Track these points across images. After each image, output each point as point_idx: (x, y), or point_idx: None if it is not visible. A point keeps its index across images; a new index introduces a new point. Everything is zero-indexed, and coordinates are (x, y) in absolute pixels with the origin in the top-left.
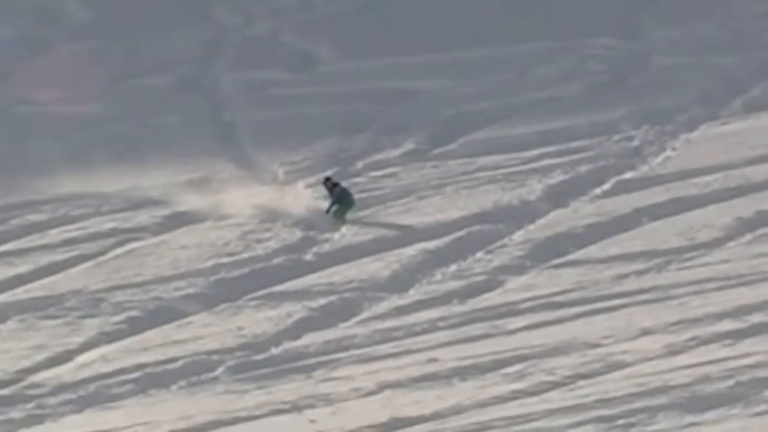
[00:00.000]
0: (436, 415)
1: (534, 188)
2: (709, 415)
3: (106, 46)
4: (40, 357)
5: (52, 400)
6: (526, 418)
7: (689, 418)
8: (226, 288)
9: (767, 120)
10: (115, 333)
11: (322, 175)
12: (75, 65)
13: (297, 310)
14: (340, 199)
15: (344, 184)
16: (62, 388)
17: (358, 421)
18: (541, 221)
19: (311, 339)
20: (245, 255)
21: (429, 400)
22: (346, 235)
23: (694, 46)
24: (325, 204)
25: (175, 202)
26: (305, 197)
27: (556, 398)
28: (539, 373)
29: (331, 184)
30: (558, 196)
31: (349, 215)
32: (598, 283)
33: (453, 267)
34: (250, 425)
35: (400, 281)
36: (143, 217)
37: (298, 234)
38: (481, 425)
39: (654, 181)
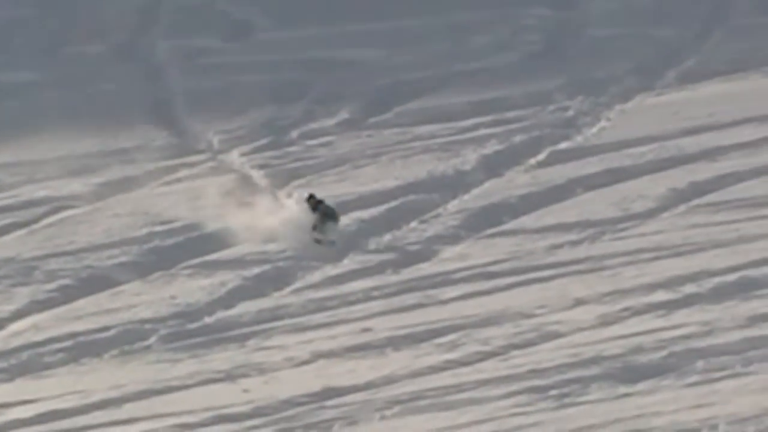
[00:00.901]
0: (370, 385)
1: (469, 158)
2: (642, 385)
3: (41, 14)
4: None
5: None
6: (459, 387)
7: (622, 389)
8: (160, 256)
9: (702, 91)
10: (48, 301)
11: (306, 192)
12: (9, 33)
13: (231, 279)
14: (325, 217)
15: (328, 201)
16: None
17: (291, 390)
18: (475, 191)
19: (245, 308)
20: (179, 223)
21: (362, 369)
22: (282, 203)
23: (629, 17)
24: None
25: (109, 170)
26: (239, 165)
27: (489, 368)
28: (473, 343)
29: (314, 202)
30: (493, 166)
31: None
32: (532, 253)
33: (387, 236)
34: (182, 394)
35: (334, 251)
36: (77, 185)
37: (233, 202)
38: (414, 395)
39: (588, 151)
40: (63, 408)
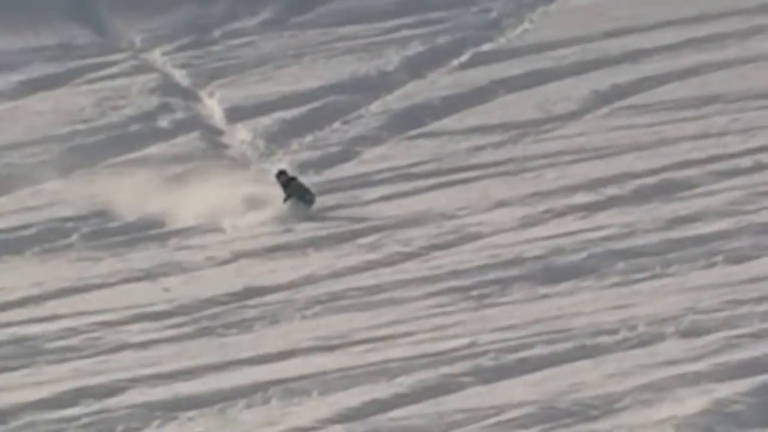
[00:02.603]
0: (290, 285)
1: (391, 59)
2: (563, 286)
3: None
4: None
5: None
6: (380, 288)
7: (542, 290)
8: (82, 155)
9: None
10: None
11: (275, 167)
12: None
13: (153, 177)
14: (300, 196)
15: (301, 178)
16: None
17: (212, 289)
18: (398, 92)
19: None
20: (101, 122)
21: (283, 269)
22: (203, 102)
23: None
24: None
25: (29, 68)
26: (161, 64)
27: (410, 269)
28: (394, 243)
29: (285, 179)
30: (415, 67)
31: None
32: (455, 154)
33: (309, 137)
34: (104, 292)
35: (256, 151)
36: None
37: (155, 101)
38: (334, 295)
39: (511, 53)
40: None
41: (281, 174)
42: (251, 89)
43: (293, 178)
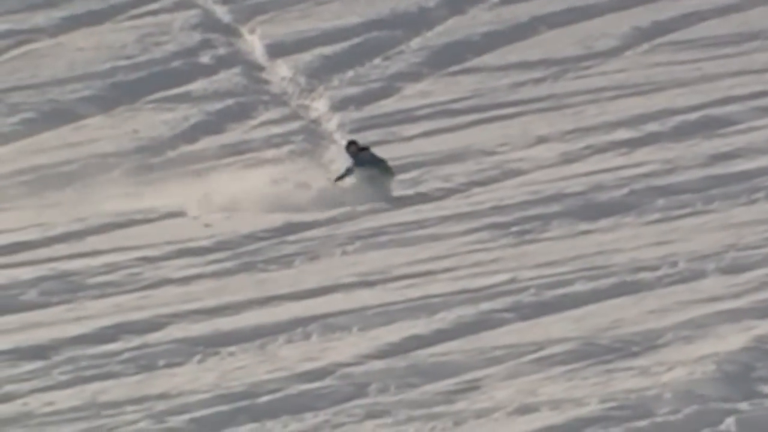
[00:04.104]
0: (331, 220)
1: None
2: (603, 222)
3: None
4: None
5: None
6: (421, 224)
7: (583, 226)
8: (123, 91)
9: None
10: (11, 134)
11: (345, 139)
12: None
13: (193, 113)
14: (374, 166)
15: (374, 149)
16: None
17: (252, 225)
18: (439, 28)
19: (207, 143)
20: (142, 58)
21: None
22: (244, 38)
23: None
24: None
25: (72, 4)
26: (203, 0)
27: (451, 205)
28: (435, 179)
29: (355, 149)
30: (456, 3)
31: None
32: (495, 90)
33: (350, 73)
34: (145, 228)
35: (296, 88)
36: (40, 19)
37: (196, 37)
38: (375, 231)
39: None
40: (25, 240)
41: (351, 144)
42: (292, 25)
43: (365, 149)
